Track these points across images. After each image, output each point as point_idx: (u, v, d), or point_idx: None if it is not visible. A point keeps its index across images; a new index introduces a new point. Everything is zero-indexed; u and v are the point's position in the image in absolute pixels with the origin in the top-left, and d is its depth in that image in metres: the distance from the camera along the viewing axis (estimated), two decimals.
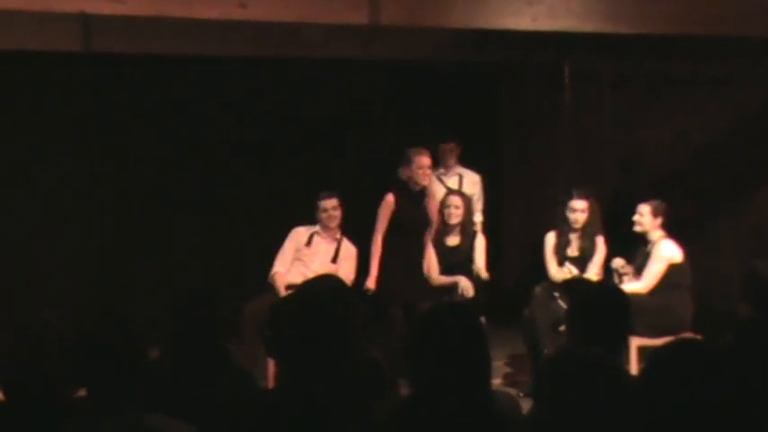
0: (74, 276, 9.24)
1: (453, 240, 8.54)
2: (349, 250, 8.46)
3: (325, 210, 8.39)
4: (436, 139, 9.21)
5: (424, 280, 8.31)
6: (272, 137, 9.76)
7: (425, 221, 8.33)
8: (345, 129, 9.72)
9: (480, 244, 8.56)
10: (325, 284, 4.76)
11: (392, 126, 10.04)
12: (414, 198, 8.24)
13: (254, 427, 3.43)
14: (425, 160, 8.18)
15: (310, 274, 7.61)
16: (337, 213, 8.38)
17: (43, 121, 9.13)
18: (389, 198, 8.20)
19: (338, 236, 8.47)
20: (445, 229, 8.55)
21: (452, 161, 9.25)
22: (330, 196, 8.39)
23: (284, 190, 9.45)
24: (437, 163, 9.17)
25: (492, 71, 10.60)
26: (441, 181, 9.19)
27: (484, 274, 8.44)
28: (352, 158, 9.92)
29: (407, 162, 8.18)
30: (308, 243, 8.42)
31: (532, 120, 10.59)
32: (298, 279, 7.84)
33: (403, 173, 8.21)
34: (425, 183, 8.22)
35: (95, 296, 8.90)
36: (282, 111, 9.78)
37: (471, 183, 9.22)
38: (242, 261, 9.22)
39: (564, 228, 8.35)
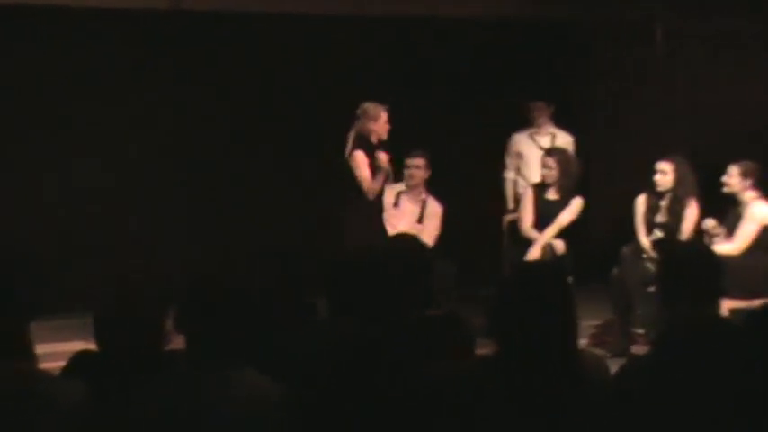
0: (163, 234, 9.30)
1: (552, 195, 8.49)
2: (434, 209, 8.48)
3: (407, 167, 8.41)
4: (527, 98, 9.13)
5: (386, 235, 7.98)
6: (359, 94, 9.72)
7: (387, 173, 8.07)
8: (437, 86, 9.66)
9: (575, 205, 8.44)
10: (398, 244, 4.74)
11: (483, 85, 9.96)
12: (374, 151, 7.98)
13: (328, 384, 3.45)
14: (386, 115, 7.98)
15: None
16: (419, 173, 8.40)
17: (132, 79, 9.17)
18: (360, 154, 7.94)
19: (423, 196, 8.49)
20: (545, 186, 8.51)
21: (543, 120, 9.13)
22: (415, 155, 8.40)
23: None
24: (529, 122, 9.13)
25: (583, 29, 10.47)
26: (533, 140, 9.11)
27: (558, 246, 8.35)
28: (440, 117, 9.84)
29: (370, 117, 7.96)
30: (396, 203, 8.44)
31: (623, 78, 10.44)
32: None
33: (363, 127, 7.97)
34: (385, 137, 7.99)
35: (184, 253, 8.98)
36: (366, 69, 9.72)
37: (563, 143, 9.06)
38: (327, 219, 9.22)
39: (653, 191, 8.25)
